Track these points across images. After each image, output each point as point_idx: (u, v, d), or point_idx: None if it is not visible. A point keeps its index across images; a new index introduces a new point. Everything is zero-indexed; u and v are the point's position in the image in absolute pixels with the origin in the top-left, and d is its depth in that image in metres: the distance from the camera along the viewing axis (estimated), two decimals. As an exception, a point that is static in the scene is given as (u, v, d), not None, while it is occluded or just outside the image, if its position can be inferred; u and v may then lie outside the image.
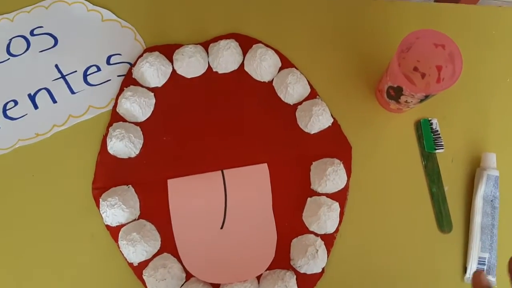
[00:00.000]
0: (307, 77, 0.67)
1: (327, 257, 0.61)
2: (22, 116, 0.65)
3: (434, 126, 0.66)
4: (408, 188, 0.64)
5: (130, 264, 0.60)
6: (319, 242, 0.60)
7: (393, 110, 0.66)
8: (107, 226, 0.61)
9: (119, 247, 0.60)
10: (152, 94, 0.65)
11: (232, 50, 0.65)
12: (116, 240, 0.60)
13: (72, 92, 0.66)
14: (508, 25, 0.72)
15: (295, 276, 0.59)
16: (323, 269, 0.60)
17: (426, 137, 0.65)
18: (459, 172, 0.65)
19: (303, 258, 0.58)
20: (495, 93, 0.68)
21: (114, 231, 0.60)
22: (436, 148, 0.65)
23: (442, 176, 0.64)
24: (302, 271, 0.59)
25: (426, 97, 0.57)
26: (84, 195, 0.62)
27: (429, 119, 0.66)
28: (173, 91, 0.66)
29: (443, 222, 0.63)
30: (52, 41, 0.68)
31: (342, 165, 0.62)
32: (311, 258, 0.58)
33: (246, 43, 0.67)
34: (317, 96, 0.66)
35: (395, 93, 0.60)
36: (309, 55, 0.69)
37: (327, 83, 0.67)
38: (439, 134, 0.66)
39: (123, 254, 0.59)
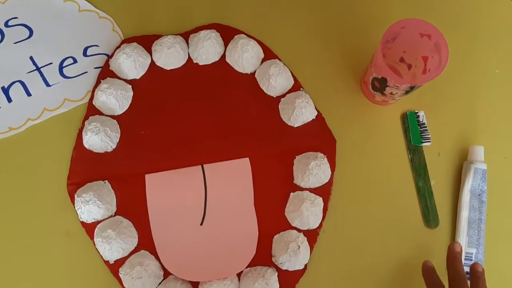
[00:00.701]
0: (290, 69, 0.65)
1: (310, 253, 0.59)
2: (-5, 110, 0.63)
3: (420, 119, 0.64)
4: (394, 182, 0.63)
5: (106, 262, 0.58)
6: (302, 238, 0.58)
7: (379, 102, 0.64)
8: (83, 223, 0.59)
9: (95, 244, 0.58)
10: (130, 86, 0.63)
11: (212, 41, 0.63)
12: (92, 237, 0.58)
13: (47, 84, 0.64)
14: (497, 15, 0.70)
15: (276, 273, 0.57)
16: (305, 265, 0.59)
17: (413, 130, 0.64)
18: (446, 166, 0.64)
19: (284, 254, 0.57)
20: (484, 85, 0.67)
21: (89, 228, 0.58)
22: (423, 141, 0.63)
23: (428, 170, 0.63)
24: (284, 268, 0.58)
25: (412, 88, 0.56)
26: (59, 191, 0.60)
27: (416, 111, 0.64)
28: (152, 83, 0.64)
29: (429, 217, 0.61)
30: (27, 32, 0.66)
31: (326, 159, 0.60)
32: (292, 254, 0.56)
33: (227, 34, 0.65)
34: (301, 88, 0.64)
35: (380, 85, 0.58)
36: (293, 45, 0.67)
37: (312, 75, 0.66)
38: (425, 126, 0.64)
39: (99, 252, 0.58)
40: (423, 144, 0.63)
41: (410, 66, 0.62)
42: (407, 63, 0.62)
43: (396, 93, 0.58)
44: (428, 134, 0.63)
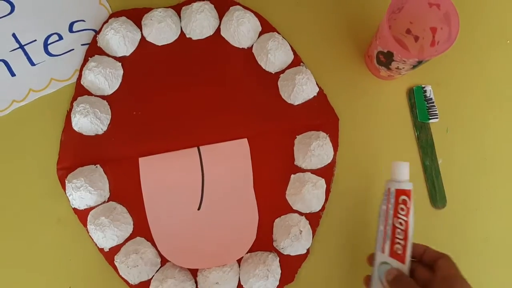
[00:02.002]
0: (290, 42, 0.61)
1: (313, 237, 0.57)
2: (-22, 91, 0.59)
3: (428, 94, 0.61)
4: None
5: (101, 250, 0.56)
6: (304, 222, 0.56)
7: (384, 77, 0.61)
8: (75, 210, 0.56)
9: (88, 232, 0.55)
10: (120, 64, 0.59)
11: (206, 14, 0.59)
12: (85, 224, 0.56)
13: (32, 63, 0.60)
14: (509, -19, 0.66)
15: (278, 258, 0.55)
16: (308, 249, 0.56)
17: (419, 105, 0.60)
18: (455, 143, 0.60)
19: (286, 239, 0.55)
20: (494, 56, 0.63)
21: (82, 215, 0.56)
22: (430, 117, 0.60)
23: (436, 148, 0.60)
24: (285, 253, 0.56)
25: (419, 62, 0.52)
26: (49, 177, 0.57)
27: (423, 86, 0.61)
28: (143, 60, 0.60)
29: (436, 197, 0.59)
30: (9, 8, 0.61)
31: (328, 139, 0.57)
32: (294, 239, 0.54)
33: (222, 6, 0.61)
34: (301, 63, 0.61)
35: (386, 59, 0.54)
36: (292, 17, 0.63)
37: (313, 49, 0.62)
38: (433, 102, 0.61)
39: (93, 239, 0.55)
40: (430, 120, 0.60)
41: (417, 38, 0.58)
42: (414, 35, 0.58)
43: (403, 67, 0.54)
44: (436, 110, 0.60)
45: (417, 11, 0.54)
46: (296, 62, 0.61)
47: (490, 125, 0.61)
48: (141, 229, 0.56)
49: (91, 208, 0.56)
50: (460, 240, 0.58)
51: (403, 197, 0.48)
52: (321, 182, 0.57)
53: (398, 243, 0.47)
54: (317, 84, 0.60)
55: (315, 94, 0.60)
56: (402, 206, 0.48)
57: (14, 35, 0.60)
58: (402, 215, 0.48)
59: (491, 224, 0.59)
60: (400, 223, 0.48)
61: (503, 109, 0.62)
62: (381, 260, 0.48)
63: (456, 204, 0.59)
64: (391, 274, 0.47)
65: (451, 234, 0.58)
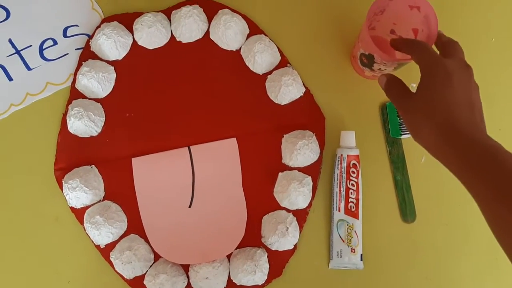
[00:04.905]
0: (277, 43, 0.62)
1: (300, 233, 0.59)
2: (-23, 96, 0.61)
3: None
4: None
5: (97, 246, 0.58)
6: (290, 218, 0.58)
7: (369, 77, 0.62)
8: (72, 208, 0.59)
9: (85, 229, 0.58)
10: (112, 68, 0.61)
11: (195, 18, 0.60)
12: (81, 222, 0.58)
13: (28, 68, 0.62)
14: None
15: (266, 254, 0.58)
16: (295, 245, 0.59)
17: (392, 121, 0.61)
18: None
19: (273, 235, 0.57)
20: (480, 55, 0.63)
21: (79, 213, 0.59)
22: (402, 133, 0.61)
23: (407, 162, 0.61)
24: (273, 248, 0.58)
25: (400, 64, 0.53)
26: (46, 177, 0.60)
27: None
28: (135, 64, 0.62)
29: (406, 211, 0.60)
30: (4, 14, 0.63)
31: (314, 138, 0.59)
32: (281, 236, 0.56)
33: (211, 9, 0.62)
34: (288, 64, 0.62)
35: (368, 61, 0.56)
36: (279, 19, 0.64)
37: (299, 50, 0.63)
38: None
39: (89, 237, 0.58)
40: (403, 136, 0.61)
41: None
42: (398, 35, 0.59)
43: (385, 69, 0.56)
44: None
45: (399, 13, 0.55)
46: (283, 63, 0.62)
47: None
48: (135, 227, 0.59)
49: (87, 207, 0.58)
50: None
51: (354, 161, 0.58)
52: (308, 179, 0.59)
53: (352, 202, 0.58)
54: (303, 84, 0.61)
55: (302, 94, 0.61)
56: (353, 169, 0.58)
57: (10, 41, 0.62)
58: (354, 177, 0.58)
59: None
60: (352, 184, 0.58)
61: (490, 110, 0.62)
62: (338, 218, 0.58)
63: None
64: (383, 81, 0.53)
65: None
